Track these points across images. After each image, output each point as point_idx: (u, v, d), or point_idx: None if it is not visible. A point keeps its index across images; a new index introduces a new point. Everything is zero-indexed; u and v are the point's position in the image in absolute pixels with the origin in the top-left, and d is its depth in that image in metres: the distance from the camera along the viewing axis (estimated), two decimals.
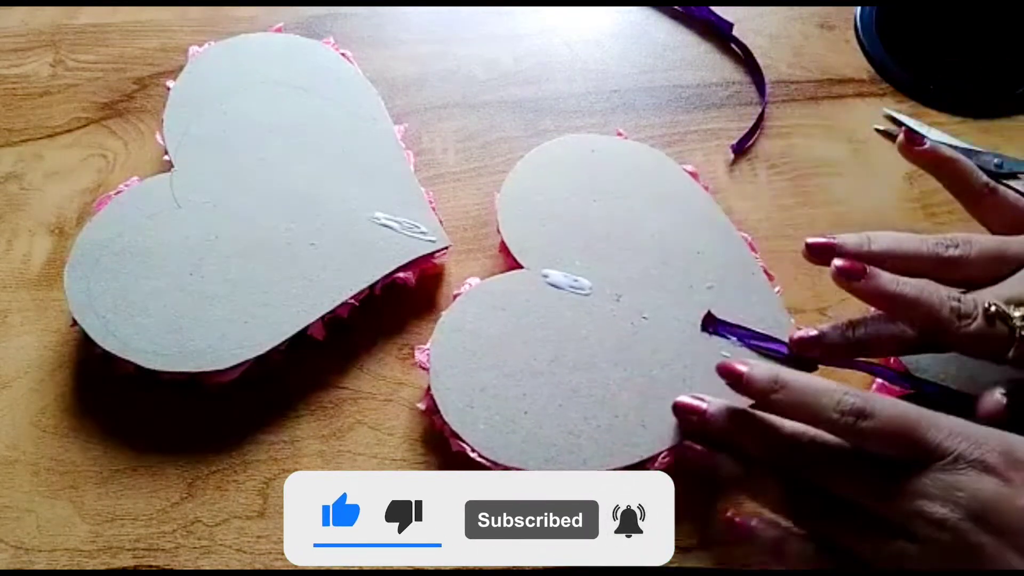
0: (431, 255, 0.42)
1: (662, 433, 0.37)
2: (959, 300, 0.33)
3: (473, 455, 0.36)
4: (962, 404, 0.37)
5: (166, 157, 0.43)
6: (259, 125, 0.44)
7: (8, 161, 0.47)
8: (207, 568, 0.36)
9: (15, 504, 0.38)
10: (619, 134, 0.46)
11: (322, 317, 0.39)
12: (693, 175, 0.44)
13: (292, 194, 0.42)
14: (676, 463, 0.37)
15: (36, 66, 0.50)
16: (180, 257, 0.40)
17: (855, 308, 0.43)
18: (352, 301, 0.40)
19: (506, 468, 0.36)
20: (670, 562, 0.37)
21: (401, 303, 0.42)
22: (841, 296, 0.43)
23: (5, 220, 0.45)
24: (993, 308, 0.32)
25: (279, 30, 0.49)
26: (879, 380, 0.39)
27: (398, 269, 0.41)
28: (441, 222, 0.43)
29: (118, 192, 0.42)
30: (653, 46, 0.52)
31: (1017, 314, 0.32)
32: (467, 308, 0.39)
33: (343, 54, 0.48)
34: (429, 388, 0.37)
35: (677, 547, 0.37)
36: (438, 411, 0.37)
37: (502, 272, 0.41)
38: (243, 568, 0.36)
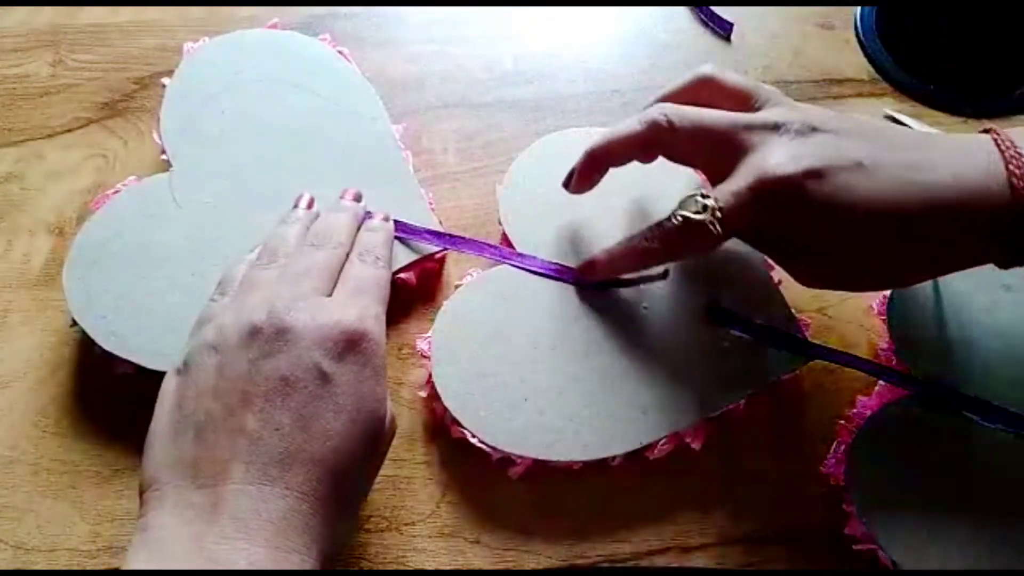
0: (431, 255, 0.42)
1: (662, 420, 0.37)
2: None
3: (473, 441, 0.36)
4: (965, 405, 0.37)
5: (163, 156, 0.43)
6: (257, 123, 0.44)
7: (8, 161, 0.47)
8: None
9: (15, 504, 0.38)
10: None
11: None
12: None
13: (290, 194, 0.41)
14: (673, 451, 0.37)
15: (36, 66, 0.50)
16: (180, 257, 0.40)
17: (856, 308, 0.43)
18: None
19: (506, 454, 0.36)
20: (670, 562, 0.37)
21: (401, 303, 0.42)
22: (841, 296, 0.43)
23: (5, 220, 0.45)
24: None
25: (275, 27, 0.49)
26: (880, 382, 0.39)
27: (399, 270, 0.41)
28: (440, 222, 0.43)
29: (116, 192, 0.42)
30: (653, 46, 0.52)
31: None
32: (468, 297, 0.40)
33: (340, 52, 0.48)
34: (430, 375, 0.38)
35: (677, 547, 0.37)
36: (439, 398, 0.37)
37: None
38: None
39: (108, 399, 0.40)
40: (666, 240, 0.35)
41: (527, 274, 0.40)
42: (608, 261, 0.38)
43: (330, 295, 0.33)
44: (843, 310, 0.43)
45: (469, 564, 0.37)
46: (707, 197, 0.33)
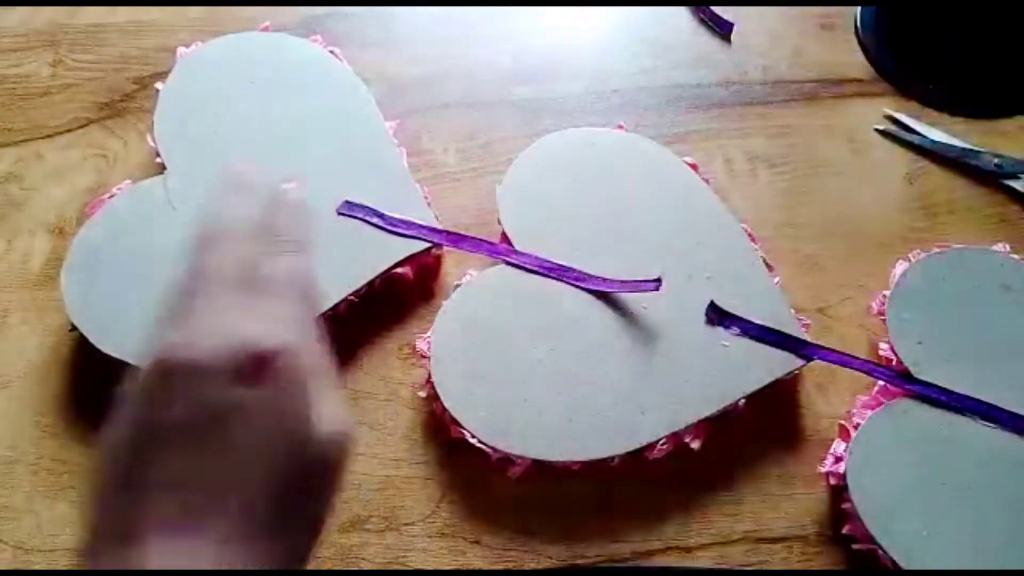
0: (426, 249, 0.42)
1: (661, 420, 0.37)
2: None
3: (473, 441, 0.36)
4: (965, 405, 0.37)
5: (158, 159, 0.43)
6: (250, 124, 0.44)
7: (8, 161, 0.47)
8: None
9: (15, 504, 0.38)
10: (620, 127, 0.46)
11: (321, 315, 0.39)
12: (692, 167, 0.44)
13: None
14: (673, 451, 0.37)
15: (36, 66, 0.50)
16: (177, 258, 0.40)
17: (856, 308, 0.43)
18: (352, 298, 0.40)
19: (506, 454, 0.36)
20: (670, 562, 0.37)
21: (401, 302, 0.42)
22: (841, 296, 0.43)
23: (5, 220, 0.45)
24: None
25: (266, 28, 0.49)
26: (880, 382, 0.39)
27: (395, 265, 0.41)
28: (437, 217, 0.43)
29: (111, 196, 0.42)
30: (653, 46, 0.52)
31: None
32: (468, 297, 0.40)
33: (332, 51, 0.48)
34: (430, 375, 0.38)
35: (677, 547, 0.37)
36: (439, 398, 0.37)
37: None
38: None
39: (108, 399, 0.40)
40: None
41: (526, 274, 0.40)
42: None
43: (240, 300, 0.28)
44: (843, 310, 0.43)
45: (469, 564, 0.37)
46: None
